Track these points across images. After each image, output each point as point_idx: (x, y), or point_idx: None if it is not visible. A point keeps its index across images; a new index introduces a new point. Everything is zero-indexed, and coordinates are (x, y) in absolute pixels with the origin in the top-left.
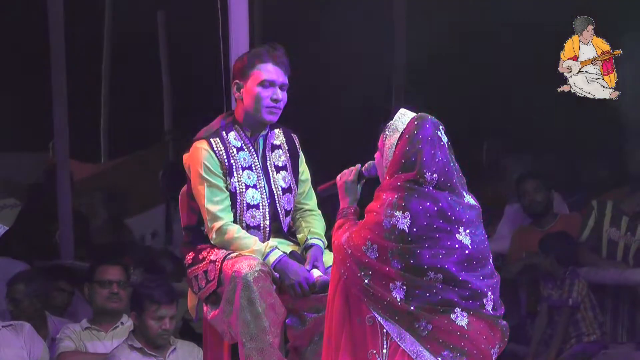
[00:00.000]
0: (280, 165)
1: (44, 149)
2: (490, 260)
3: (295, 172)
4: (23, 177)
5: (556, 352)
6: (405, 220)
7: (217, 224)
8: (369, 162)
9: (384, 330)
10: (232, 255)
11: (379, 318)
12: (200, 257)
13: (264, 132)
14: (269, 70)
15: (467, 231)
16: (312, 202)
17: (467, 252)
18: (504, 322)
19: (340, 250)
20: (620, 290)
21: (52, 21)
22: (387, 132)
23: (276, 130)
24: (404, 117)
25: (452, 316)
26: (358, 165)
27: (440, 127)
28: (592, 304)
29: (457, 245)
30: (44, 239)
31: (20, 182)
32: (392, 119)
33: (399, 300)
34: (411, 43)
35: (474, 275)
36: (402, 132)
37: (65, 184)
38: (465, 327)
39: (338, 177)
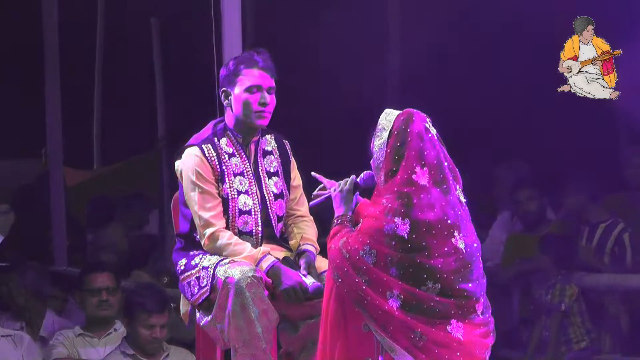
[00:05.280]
0: (272, 171)
1: (36, 156)
2: (480, 259)
3: (287, 177)
4: (15, 183)
5: (552, 357)
6: (405, 227)
7: (210, 231)
8: (364, 172)
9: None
10: (225, 261)
11: (371, 328)
12: (193, 263)
13: (255, 138)
14: (255, 75)
15: (461, 235)
16: (304, 208)
17: (461, 256)
18: (491, 319)
19: (337, 255)
20: (613, 296)
21: (46, 27)
22: (376, 134)
23: (267, 136)
24: (389, 115)
25: (449, 328)
26: (353, 176)
27: (428, 119)
28: (580, 310)
29: (452, 251)
30: (38, 246)
31: (12, 189)
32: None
33: (395, 309)
34: (406, 45)
35: (469, 281)
36: (390, 130)
37: (59, 190)
38: (461, 338)
39: (332, 189)
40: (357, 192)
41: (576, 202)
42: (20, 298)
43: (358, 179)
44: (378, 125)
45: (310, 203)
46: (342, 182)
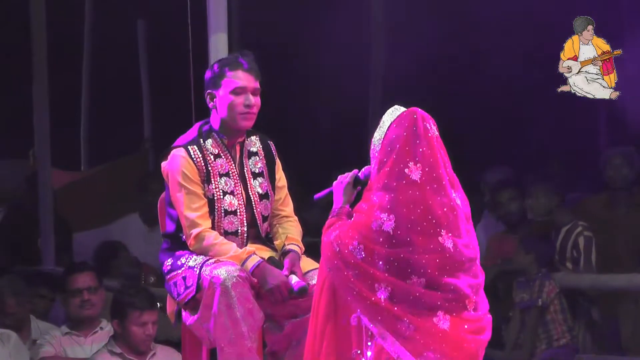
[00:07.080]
0: (257, 171)
1: (24, 156)
2: (477, 260)
3: (272, 178)
4: (3, 184)
5: (529, 353)
6: (390, 222)
7: (196, 231)
8: (365, 167)
9: (369, 332)
10: (211, 261)
11: (363, 317)
12: (179, 263)
13: (240, 139)
14: (240, 77)
15: (450, 234)
16: (288, 208)
17: (448, 255)
18: (487, 317)
19: (328, 247)
20: (595, 297)
21: (34, 29)
22: (379, 127)
23: (253, 137)
24: (395, 111)
25: (435, 319)
26: (355, 171)
27: (430, 120)
28: (562, 307)
29: (439, 248)
30: (26, 246)
31: (1, 190)
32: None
33: (383, 300)
34: (391, 50)
35: (457, 277)
36: (390, 123)
37: (47, 190)
38: (448, 330)
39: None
40: (359, 187)
41: (543, 205)
42: (11, 300)
43: (360, 174)
44: (382, 118)
45: (315, 196)
46: (343, 175)
